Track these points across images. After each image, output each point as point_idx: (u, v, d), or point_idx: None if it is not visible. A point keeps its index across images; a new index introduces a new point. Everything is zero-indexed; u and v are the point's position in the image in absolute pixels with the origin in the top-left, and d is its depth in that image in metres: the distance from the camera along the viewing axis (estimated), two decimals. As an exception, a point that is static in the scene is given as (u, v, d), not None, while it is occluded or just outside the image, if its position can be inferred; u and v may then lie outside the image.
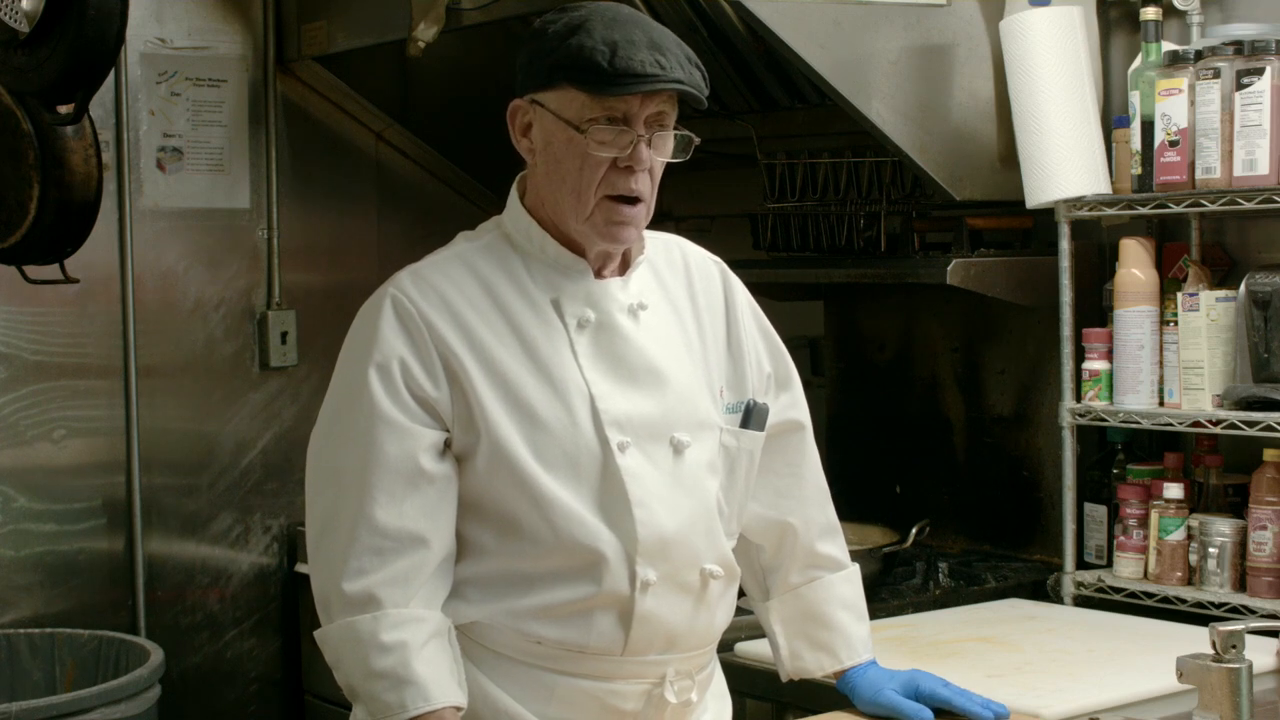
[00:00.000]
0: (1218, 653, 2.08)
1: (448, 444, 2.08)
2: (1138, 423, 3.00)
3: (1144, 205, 2.96)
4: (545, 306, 2.11)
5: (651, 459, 2.09)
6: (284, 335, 4.06)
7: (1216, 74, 2.82)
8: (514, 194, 2.18)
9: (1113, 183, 3.07)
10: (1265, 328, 2.81)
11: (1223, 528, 2.90)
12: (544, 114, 2.07)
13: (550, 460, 2.05)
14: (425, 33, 3.48)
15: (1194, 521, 2.95)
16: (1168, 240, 3.12)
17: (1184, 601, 2.93)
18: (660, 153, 2.08)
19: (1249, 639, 2.10)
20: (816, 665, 2.35)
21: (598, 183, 2.05)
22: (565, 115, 2.05)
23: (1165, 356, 2.97)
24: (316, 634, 2.10)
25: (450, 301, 2.08)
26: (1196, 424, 2.90)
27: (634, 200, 2.07)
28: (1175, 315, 2.94)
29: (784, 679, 2.39)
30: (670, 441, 2.11)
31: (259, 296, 4.06)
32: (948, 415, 3.61)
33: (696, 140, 2.10)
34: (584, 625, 2.08)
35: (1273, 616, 2.77)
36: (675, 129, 2.10)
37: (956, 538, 3.55)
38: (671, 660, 2.14)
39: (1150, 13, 3.01)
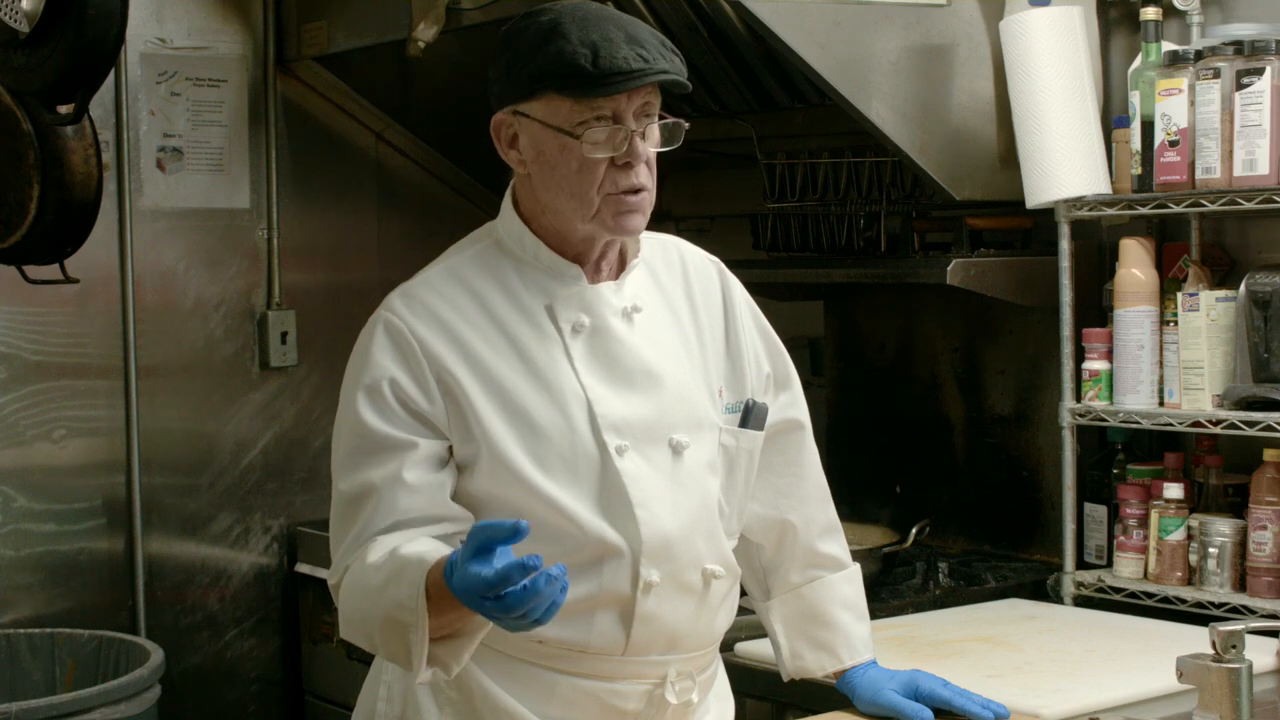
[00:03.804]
0: (1218, 653, 2.08)
1: (450, 451, 2.08)
2: (1138, 423, 2.99)
3: (1144, 205, 2.96)
4: (539, 313, 2.11)
5: (650, 461, 2.09)
6: (284, 335, 4.06)
7: (1216, 74, 2.82)
8: (507, 201, 2.17)
9: (1113, 183, 3.07)
10: (1265, 328, 2.81)
11: (1223, 528, 2.89)
12: (530, 124, 2.06)
13: (550, 466, 2.05)
14: (425, 33, 3.48)
15: (1194, 521, 2.95)
16: (1168, 240, 3.12)
17: (1184, 601, 2.92)
18: (651, 142, 2.07)
19: (1249, 639, 2.10)
20: (817, 665, 2.35)
21: (599, 183, 2.04)
22: (554, 123, 2.03)
23: (1165, 356, 2.96)
24: (340, 625, 2.07)
25: (442, 317, 2.08)
26: (1196, 424, 2.90)
27: (637, 190, 2.06)
28: (1175, 315, 2.94)
29: (785, 679, 2.39)
30: (669, 443, 2.11)
31: (259, 296, 4.06)
32: (948, 415, 3.61)
33: (685, 125, 2.09)
34: (585, 625, 2.08)
35: (1273, 616, 2.77)
36: (662, 116, 2.09)
37: (956, 538, 3.55)
38: (673, 661, 2.14)
39: (1150, 13, 3.01)
